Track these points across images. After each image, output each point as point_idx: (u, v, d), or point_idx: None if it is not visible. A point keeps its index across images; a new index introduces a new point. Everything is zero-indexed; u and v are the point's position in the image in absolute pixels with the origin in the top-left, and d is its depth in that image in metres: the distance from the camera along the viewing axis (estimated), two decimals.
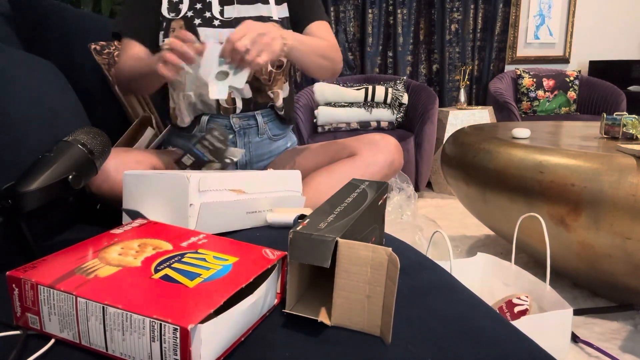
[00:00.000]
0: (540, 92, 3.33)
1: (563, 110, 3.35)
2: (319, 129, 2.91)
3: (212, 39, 1.11)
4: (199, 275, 0.51)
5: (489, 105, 3.32)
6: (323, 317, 0.52)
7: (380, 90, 2.93)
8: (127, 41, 1.11)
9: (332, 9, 3.34)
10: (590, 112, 3.38)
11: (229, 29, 1.11)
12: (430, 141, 2.80)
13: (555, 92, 3.33)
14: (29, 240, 0.67)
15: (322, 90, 2.92)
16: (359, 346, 0.49)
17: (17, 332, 0.50)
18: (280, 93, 1.20)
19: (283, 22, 1.17)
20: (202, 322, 0.42)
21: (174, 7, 1.13)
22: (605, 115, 1.75)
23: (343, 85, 3.00)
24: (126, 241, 0.60)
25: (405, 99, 2.99)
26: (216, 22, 1.12)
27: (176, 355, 0.42)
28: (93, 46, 1.33)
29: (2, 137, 0.78)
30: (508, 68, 3.67)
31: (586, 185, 1.32)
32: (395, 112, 2.96)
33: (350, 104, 2.93)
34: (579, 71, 3.46)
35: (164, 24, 1.12)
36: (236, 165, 1.20)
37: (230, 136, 1.16)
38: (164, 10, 1.13)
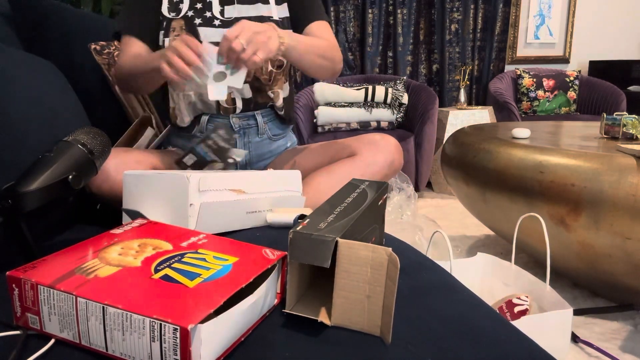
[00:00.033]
0: (540, 92, 3.33)
1: (563, 110, 3.35)
2: (319, 129, 2.91)
3: (210, 39, 1.11)
4: (199, 275, 0.51)
5: (489, 105, 3.32)
6: (323, 317, 0.52)
7: (380, 90, 2.93)
8: (128, 39, 1.11)
9: (332, 9, 3.34)
10: (590, 112, 3.38)
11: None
12: (430, 141, 2.80)
13: (555, 92, 3.33)
14: (29, 240, 0.67)
15: (322, 90, 2.92)
16: (359, 346, 0.49)
17: (17, 332, 0.50)
18: (281, 93, 1.20)
19: (283, 22, 1.17)
20: (202, 322, 0.42)
21: (175, 7, 1.13)
22: (605, 115, 1.75)
23: (343, 85, 3.00)
24: (126, 241, 0.60)
25: (405, 99, 2.99)
26: (216, 22, 1.12)
27: (176, 355, 0.42)
28: (93, 46, 1.33)
29: (2, 137, 0.78)
30: (508, 68, 3.67)
31: (586, 185, 1.32)
32: (395, 112, 2.96)
33: (350, 104, 2.93)
34: (579, 71, 3.46)
35: (164, 23, 1.12)
36: (236, 166, 1.20)
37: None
38: (164, 9, 1.13)
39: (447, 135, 2.97)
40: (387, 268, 0.48)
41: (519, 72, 3.40)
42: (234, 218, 0.82)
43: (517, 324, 1.05)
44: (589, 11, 3.69)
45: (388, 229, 1.74)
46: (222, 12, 1.13)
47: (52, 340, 0.49)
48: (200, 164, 1.00)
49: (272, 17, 1.16)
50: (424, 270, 0.70)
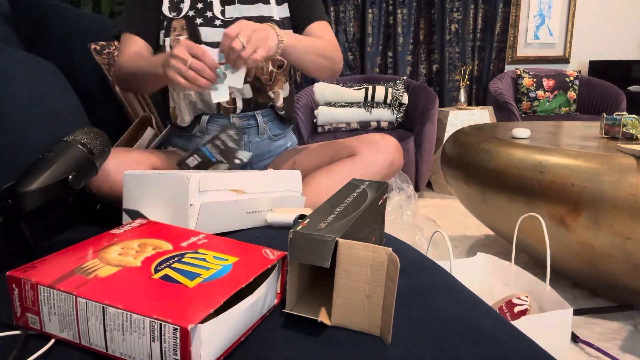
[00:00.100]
0: (540, 92, 3.33)
1: (563, 110, 3.35)
2: (319, 129, 2.91)
3: (211, 39, 1.11)
4: (199, 275, 0.51)
5: (489, 105, 3.32)
6: (323, 317, 0.52)
7: (380, 90, 2.93)
8: (128, 36, 1.11)
9: (332, 9, 3.34)
10: (590, 112, 3.38)
11: None
12: (430, 141, 2.80)
13: (555, 92, 3.33)
14: (29, 240, 0.67)
15: (322, 90, 2.92)
16: (359, 346, 0.49)
17: (17, 332, 0.50)
18: (281, 93, 1.20)
19: (284, 22, 1.17)
20: (202, 322, 0.42)
21: (175, 7, 1.13)
22: (605, 115, 1.75)
23: (343, 85, 3.00)
24: (126, 241, 0.60)
25: (405, 99, 2.99)
26: (217, 22, 1.12)
27: (176, 355, 0.42)
28: (93, 46, 1.33)
29: (2, 137, 0.78)
30: (508, 68, 3.67)
31: (586, 185, 1.32)
32: (395, 112, 2.96)
33: (350, 104, 2.93)
34: (579, 71, 3.46)
35: (165, 23, 1.12)
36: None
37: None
38: (165, 9, 1.13)
39: (447, 135, 2.97)
40: (387, 268, 0.48)
41: (519, 72, 3.40)
42: (234, 218, 0.82)
43: (517, 324, 1.05)
44: (589, 11, 3.69)
45: (388, 229, 1.74)
46: (223, 12, 1.13)
47: (52, 340, 0.49)
48: (205, 166, 0.98)
49: (272, 17, 1.16)
50: (424, 270, 0.70)
